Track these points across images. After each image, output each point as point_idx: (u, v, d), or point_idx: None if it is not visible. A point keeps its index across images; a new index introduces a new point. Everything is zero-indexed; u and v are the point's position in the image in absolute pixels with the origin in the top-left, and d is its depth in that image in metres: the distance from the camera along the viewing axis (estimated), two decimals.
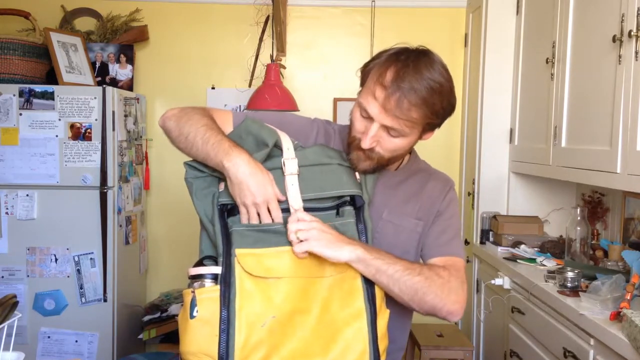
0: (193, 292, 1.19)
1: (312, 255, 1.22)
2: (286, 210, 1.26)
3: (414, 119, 1.27)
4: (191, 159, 1.34)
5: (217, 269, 1.21)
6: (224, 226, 1.25)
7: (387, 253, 1.28)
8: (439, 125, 1.36)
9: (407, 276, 1.26)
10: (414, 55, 1.29)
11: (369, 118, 1.30)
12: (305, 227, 1.21)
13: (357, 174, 1.37)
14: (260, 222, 1.24)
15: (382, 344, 1.25)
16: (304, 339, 1.18)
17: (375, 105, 1.28)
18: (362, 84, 1.35)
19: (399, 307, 1.34)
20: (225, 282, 1.19)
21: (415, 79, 1.25)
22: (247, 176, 1.21)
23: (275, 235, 1.23)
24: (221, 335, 1.16)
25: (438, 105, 1.29)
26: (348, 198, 1.32)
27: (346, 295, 1.23)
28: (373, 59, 1.34)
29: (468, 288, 3.32)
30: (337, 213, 1.31)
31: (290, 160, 1.28)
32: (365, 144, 1.30)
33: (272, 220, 1.24)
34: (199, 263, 1.27)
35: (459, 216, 1.48)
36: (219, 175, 1.30)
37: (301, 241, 1.21)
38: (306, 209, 1.26)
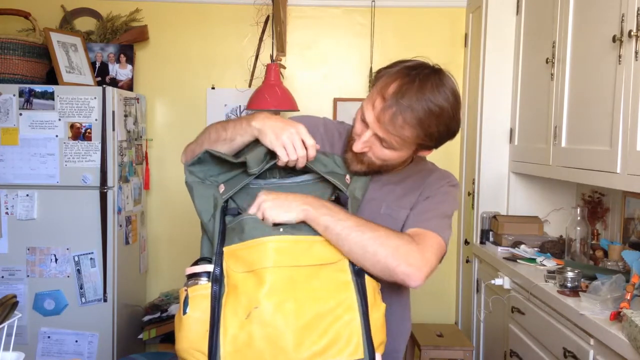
0: (186, 290, 1.22)
1: (295, 243, 1.23)
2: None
3: (405, 137, 1.29)
4: (191, 159, 1.36)
5: (211, 267, 1.24)
6: (222, 223, 1.28)
7: (340, 209, 1.28)
8: (431, 147, 1.37)
9: (355, 232, 1.24)
10: (424, 74, 1.29)
11: (367, 123, 1.32)
12: (258, 202, 1.27)
13: (347, 176, 1.39)
14: (297, 158, 1.29)
15: (378, 338, 1.24)
16: (294, 330, 1.17)
17: (371, 114, 1.30)
18: (373, 85, 1.37)
19: (396, 305, 1.35)
20: (216, 279, 1.22)
21: (416, 98, 1.26)
22: (276, 120, 1.31)
23: (257, 227, 1.24)
24: (211, 331, 1.18)
25: (433, 129, 1.29)
26: (333, 197, 1.36)
27: (336, 287, 1.23)
28: (388, 67, 1.35)
29: (468, 288, 3.35)
30: None
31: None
32: (356, 147, 1.34)
33: (307, 151, 1.29)
34: (195, 264, 1.28)
35: (450, 204, 1.44)
36: (217, 180, 1.35)
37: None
38: None
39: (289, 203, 1.26)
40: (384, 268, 1.24)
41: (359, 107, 1.37)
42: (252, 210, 1.27)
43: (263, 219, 1.25)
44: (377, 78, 1.35)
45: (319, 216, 1.25)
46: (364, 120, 1.33)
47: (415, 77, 1.28)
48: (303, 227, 1.27)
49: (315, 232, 1.26)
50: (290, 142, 1.28)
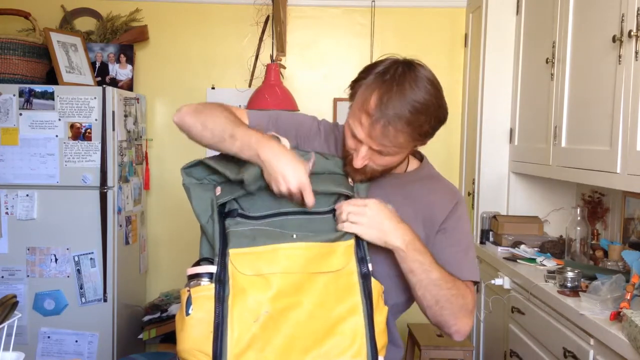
0: (189, 290, 1.21)
1: (307, 250, 1.23)
2: (279, 214, 1.29)
3: (400, 144, 1.29)
4: (187, 163, 1.36)
5: (213, 268, 1.23)
6: (222, 227, 1.27)
7: (427, 253, 1.32)
8: (428, 140, 1.37)
9: (434, 286, 1.31)
10: (399, 74, 1.27)
11: (359, 139, 1.31)
12: (358, 210, 1.28)
13: (349, 178, 1.39)
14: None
15: (381, 340, 1.24)
16: (299, 334, 1.18)
17: (361, 132, 1.29)
18: (352, 98, 1.34)
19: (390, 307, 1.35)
20: (220, 280, 1.21)
21: (400, 103, 1.24)
22: (283, 166, 1.25)
23: (270, 236, 1.24)
24: (215, 333, 1.18)
25: (425, 126, 1.29)
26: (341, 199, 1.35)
27: (342, 290, 1.23)
28: (362, 76, 1.33)
29: None
30: (334, 216, 1.32)
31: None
32: (356, 164, 1.32)
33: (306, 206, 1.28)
34: (197, 264, 1.28)
35: (470, 232, 1.48)
36: (215, 179, 1.34)
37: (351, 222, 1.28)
38: (302, 212, 1.29)
39: (383, 231, 1.29)
40: (441, 321, 1.35)
41: (345, 123, 1.35)
42: (343, 208, 1.29)
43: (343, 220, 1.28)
44: (354, 92, 1.33)
45: (408, 259, 1.30)
46: (354, 137, 1.31)
47: (391, 82, 1.25)
48: (319, 231, 1.27)
49: (330, 237, 1.26)
50: (287, 192, 1.26)
